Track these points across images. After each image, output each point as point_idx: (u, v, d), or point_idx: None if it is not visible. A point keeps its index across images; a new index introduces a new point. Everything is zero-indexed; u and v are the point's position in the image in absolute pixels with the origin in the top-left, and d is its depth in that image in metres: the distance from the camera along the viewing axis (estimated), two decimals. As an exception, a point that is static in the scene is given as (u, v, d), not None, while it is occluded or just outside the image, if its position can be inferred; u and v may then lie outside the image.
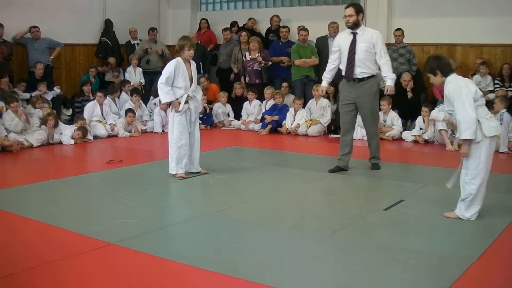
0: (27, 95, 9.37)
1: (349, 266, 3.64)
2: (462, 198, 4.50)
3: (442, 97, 6.38)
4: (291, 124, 9.42)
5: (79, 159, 7.64)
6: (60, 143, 8.25)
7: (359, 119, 6.65)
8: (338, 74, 9.55)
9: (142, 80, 11.06)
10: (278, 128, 9.54)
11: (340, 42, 6.32)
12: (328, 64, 6.57)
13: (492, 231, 4.26)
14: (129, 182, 5.94)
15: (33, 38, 10.17)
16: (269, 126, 9.57)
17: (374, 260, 3.71)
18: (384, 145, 7.13)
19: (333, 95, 9.86)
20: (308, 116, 9.42)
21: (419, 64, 9.78)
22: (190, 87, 6.07)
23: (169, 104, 6.09)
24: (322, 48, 10.01)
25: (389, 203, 5.02)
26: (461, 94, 4.33)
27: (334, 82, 9.85)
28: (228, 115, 10.40)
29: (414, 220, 4.64)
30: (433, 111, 8.35)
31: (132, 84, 10.50)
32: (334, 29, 9.90)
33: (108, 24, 11.62)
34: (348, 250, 3.93)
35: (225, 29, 11.25)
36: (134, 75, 11.00)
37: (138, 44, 11.61)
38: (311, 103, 9.50)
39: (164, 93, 5.99)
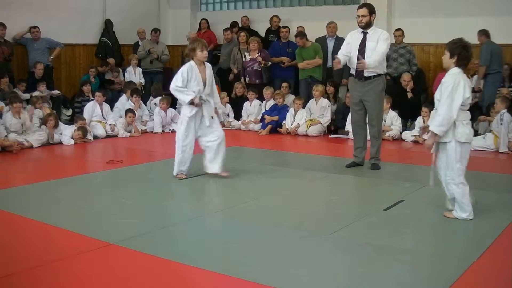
0: (27, 95, 9.36)
1: (349, 266, 3.64)
2: (448, 198, 4.56)
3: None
4: (291, 124, 9.42)
5: (79, 159, 7.63)
6: (60, 143, 8.24)
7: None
8: (338, 74, 9.65)
9: (142, 80, 11.05)
10: (278, 128, 9.54)
11: (351, 40, 6.43)
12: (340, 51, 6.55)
13: (492, 231, 4.26)
14: (129, 182, 5.94)
15: (33, 38, 10.17)
16: (269, 126, 9.56)
17: (374, 260, 3.71)
18: (384, 145, 7.14)
19: (333, 95, 9.88)
20: (308, 116, 9.42)
21: (419, 64, 9.81)
22: (204, 90, 5.89)
23: (191, 102, 5.81)
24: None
25: (389, 203, 5.03)
26: (454, 93, 4.37)
27: (334, 82, 9.94)
28: (228, 115, 10.40)
29: (414, 220, 4.64)
30: (433, 112, 8.32)
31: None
32: (331, 29, 9.92)
33: (108, 24, 11.63)
34: (348, 250, 3.93)
35: (225, 29, 11.25)
36: (134, 75, 11.01)
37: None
38: (311, 103, 9.50)
39: (184, 94, 5.79)
